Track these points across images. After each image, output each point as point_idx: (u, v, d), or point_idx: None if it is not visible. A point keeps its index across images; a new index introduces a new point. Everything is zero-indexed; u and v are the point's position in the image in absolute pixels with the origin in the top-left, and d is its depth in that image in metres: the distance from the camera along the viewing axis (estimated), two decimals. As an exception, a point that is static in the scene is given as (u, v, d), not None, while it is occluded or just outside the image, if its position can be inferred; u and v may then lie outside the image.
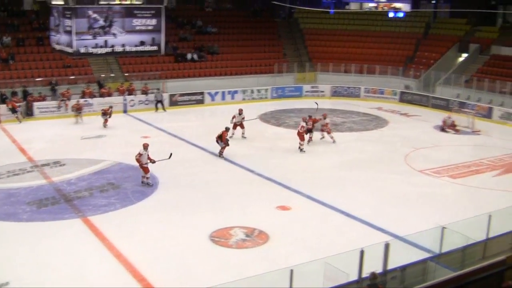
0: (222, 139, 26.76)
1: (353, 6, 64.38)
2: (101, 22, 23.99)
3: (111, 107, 33.73)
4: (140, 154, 22.35)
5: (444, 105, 40.20)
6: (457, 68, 44.53)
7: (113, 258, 16.27)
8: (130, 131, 32.34)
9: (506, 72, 41.15)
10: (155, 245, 17.24)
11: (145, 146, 22.57)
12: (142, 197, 21.29)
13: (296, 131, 28.76)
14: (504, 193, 22.80)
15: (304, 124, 28.56)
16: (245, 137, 30.52)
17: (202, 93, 40.35)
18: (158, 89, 38.63)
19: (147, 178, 22.44)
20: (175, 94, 39.20)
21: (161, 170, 23.57)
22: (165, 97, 38.58)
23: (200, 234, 17.93)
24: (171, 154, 23.56)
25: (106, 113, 32.85)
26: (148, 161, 22.45)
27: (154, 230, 18.41)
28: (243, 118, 30.53)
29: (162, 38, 27.35)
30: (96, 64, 40.51)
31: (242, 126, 30.55)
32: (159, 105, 37.89)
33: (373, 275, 12.19)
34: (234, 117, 30.43)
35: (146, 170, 22.44)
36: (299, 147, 28.32)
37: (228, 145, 26.92)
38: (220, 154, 26.93)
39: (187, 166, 25.51)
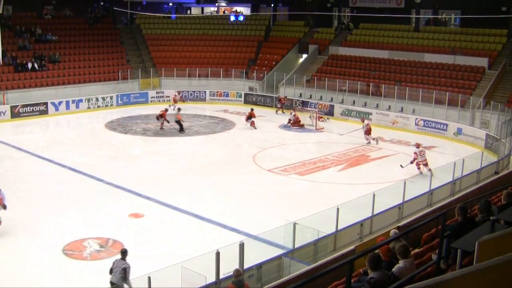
0: None
1: (195, 11, 64.67)
2: None
3: None
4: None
5: (288, 105, 41.27)
6: (298, 68, 46.02)
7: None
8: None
9: (343, 71, 43.16)
10: (6, 268, 16.07)
11: (418, 146, 25.49)
12: (-16, 219, 19.82)
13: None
14: (349, 186, 23.82)
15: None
16: None
17: (45, 104, 38.59)
18: None
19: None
20: (17, 106, 37.17)
21: (2, 186, 22.28)
22: (7, 109, 36.38)
23: (52, 249, 17.09)
24: None
25: None
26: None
27: (2, 253, 17.17)
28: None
29: (-1, 47, 25.77)
30: None
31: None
32: None
33: (237, 272, 12.18)
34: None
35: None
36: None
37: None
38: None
39: (34, 180, 24.30)
